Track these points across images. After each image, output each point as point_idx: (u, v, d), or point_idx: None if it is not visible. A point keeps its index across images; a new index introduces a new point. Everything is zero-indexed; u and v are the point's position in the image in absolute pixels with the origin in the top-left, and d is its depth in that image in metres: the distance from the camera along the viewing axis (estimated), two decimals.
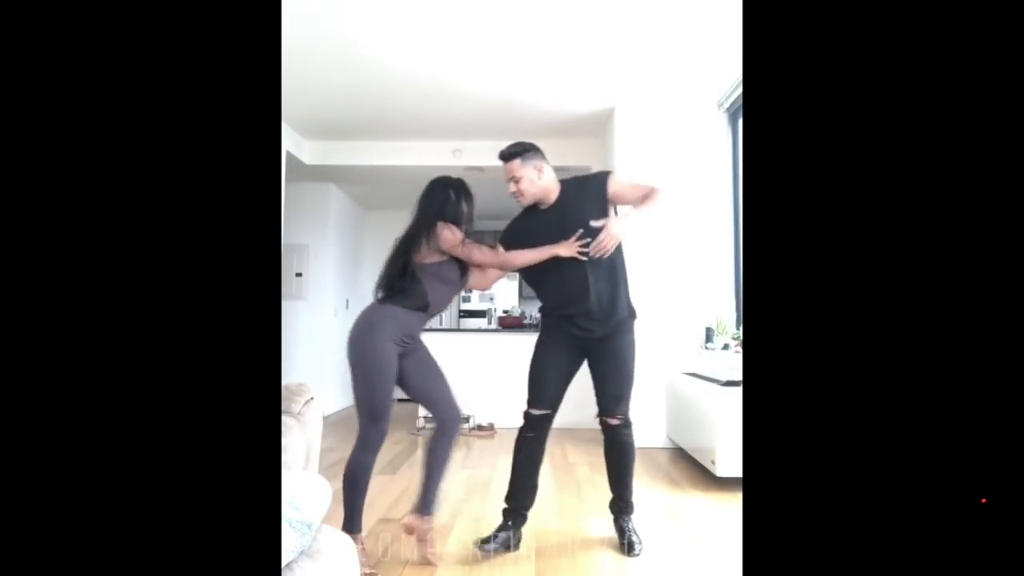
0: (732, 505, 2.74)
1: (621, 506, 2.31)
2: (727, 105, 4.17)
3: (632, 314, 2.28)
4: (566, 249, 2.10)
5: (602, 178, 2.22)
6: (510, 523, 2.23)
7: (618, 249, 2.17)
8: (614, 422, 2.23)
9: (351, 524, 1.99)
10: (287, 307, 5.79)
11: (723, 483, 3.05)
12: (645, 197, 2.15)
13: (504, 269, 2.25)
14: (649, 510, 2.68)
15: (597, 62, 3.67)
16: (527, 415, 2.23)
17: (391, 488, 3.05)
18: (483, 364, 4.99)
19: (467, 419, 4.79)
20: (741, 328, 3.90)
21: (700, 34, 3.34)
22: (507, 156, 2.19)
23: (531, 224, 2.24)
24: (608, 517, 2.32)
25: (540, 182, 2.18)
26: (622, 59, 3.63)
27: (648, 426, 4.15)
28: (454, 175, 2.24)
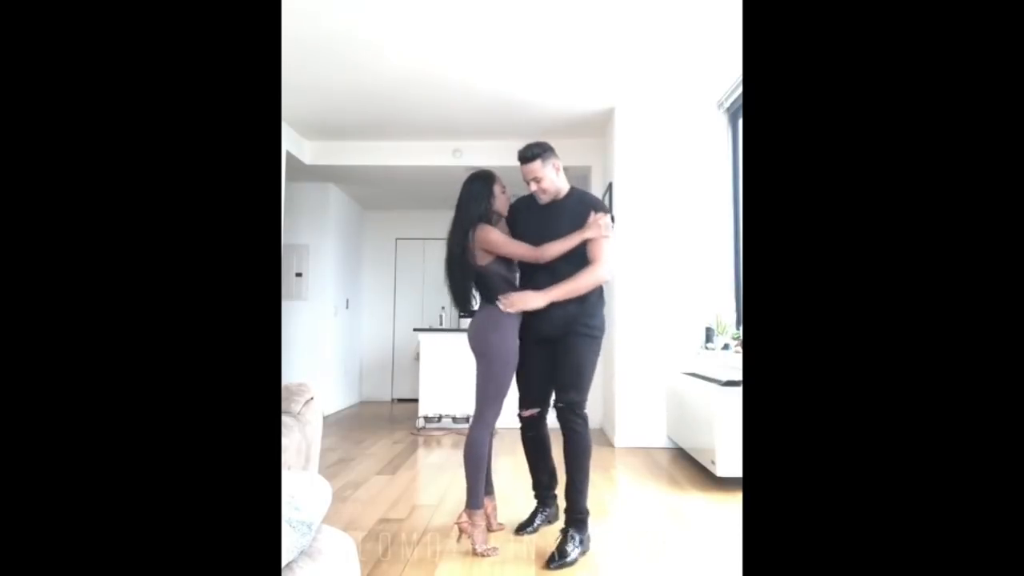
0: (732, 505, 2.74)
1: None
2: (727, 105, 4.17)
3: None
4: (593, 231, 2.18)
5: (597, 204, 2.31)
6: (542, 508, 2.44)
7: None
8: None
9: (474, 501, 2.16)
10: (287, 307, 5.79)
11: (723, 483, 3.05)
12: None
13: (540, 262, 2.24)
14: (649, 510, 2.68)
15: (597, 62, 3.67)
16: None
17: (391, 488, 3.05)
18: None
19: (468, 419, 4.79)
20: (741, 328, 3.90)
21: (700, 34, 3.34)
22: (528, 158, 2.27)
23: (542, 217, 2.29)
24: (607, 516, 2.31)
25: (558, 180, 2.29)
26: (622, 59, 3.64)
27: (648, 426, 4.16)
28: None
